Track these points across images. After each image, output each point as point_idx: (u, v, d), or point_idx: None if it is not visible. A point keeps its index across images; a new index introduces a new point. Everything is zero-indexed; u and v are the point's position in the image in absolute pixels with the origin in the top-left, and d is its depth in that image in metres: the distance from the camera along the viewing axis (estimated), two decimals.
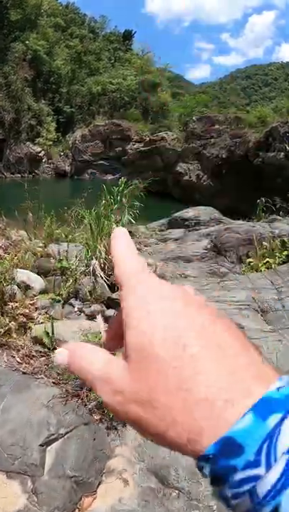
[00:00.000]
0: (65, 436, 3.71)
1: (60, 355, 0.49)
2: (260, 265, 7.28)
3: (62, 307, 6.17)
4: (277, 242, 7.82)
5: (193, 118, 36.98)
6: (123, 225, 13.41)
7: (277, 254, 7.38)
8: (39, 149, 53.29)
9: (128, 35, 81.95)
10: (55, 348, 2.89)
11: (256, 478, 0.34)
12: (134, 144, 47.67)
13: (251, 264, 7.56)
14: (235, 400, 0.37)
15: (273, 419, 0.35)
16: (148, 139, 41.33)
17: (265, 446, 0.34)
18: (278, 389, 0.37)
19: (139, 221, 19.64)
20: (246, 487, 0.34)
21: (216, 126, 35.50)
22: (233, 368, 0.39)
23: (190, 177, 35.29)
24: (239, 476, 0.35)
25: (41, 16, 62.72)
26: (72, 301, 6.32)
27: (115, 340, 0.53)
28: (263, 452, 0.34)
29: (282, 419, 0.35)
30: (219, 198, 32.24)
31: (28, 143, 52.97)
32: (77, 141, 52.50)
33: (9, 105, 51.45)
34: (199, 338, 0.41)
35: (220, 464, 0.35)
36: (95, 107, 62.80)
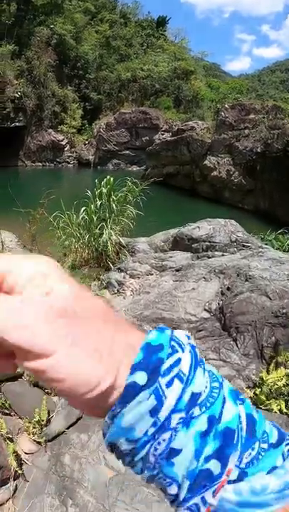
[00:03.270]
0: None
1: None
2: None
3: None
4: None
5: (226, 105, 32.68)
6: (105, 242, 9.75)
7: None
8: (62, 137, 50.57)
9: (162, 22, 78.27)
10: None
11: (179, 360, 0.49)
12: (162, 134, 44.66)
13: (280, 378, 3.58)
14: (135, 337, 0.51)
15: (168, 332, 0.51)
16: (176, 128, 37.38)
17: (172, 342, 0.50)
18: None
19: (148, 228, 16.05)
20: (175, 370, 0.48)
21: (252, 116, 31.42)
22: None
23: (219, 172, 31.40)
24: (168, 363, 0.48)
25: (69, 0, 60.11)
26: None
27: None
28: (175, 345, 0.50)
29: (172, 332, 0.52)
30: (251, 198, 28.86)
31: (50, 130, 50.24)
32: (101, 130, 49.30)
33: (31, 91, 49.18)
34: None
35: (151, 360, 0.48)
36: (124, 94, 59.49)
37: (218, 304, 5.71)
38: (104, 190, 10.32)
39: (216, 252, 8.58)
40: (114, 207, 10.27)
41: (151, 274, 8.79)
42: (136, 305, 6.78)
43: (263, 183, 28.53)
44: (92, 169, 48.44)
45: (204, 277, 7.05)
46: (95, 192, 10.65)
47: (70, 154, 51.45)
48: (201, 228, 9.37)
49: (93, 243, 10.03)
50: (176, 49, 64.44)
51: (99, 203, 10.43)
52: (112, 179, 10.23)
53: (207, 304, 5.85)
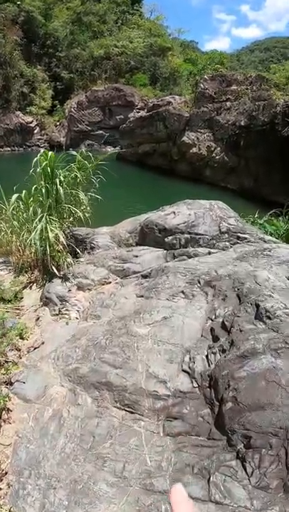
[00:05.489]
0: None
1: None
2: None
3: None
4: None
5: (205, 76, 29.90)
6: (35, 239, 6.99)
7: None
8: (31, 119, 47.47)
9: None
10: None
11: None
12: (138, 112, 41.67)
13: None
14: None
15: None
16: (152, 104, 34.54)
17: None
18: None
19: (117, 213, 13.64)
20: None
21: (234, 87, 28.83)
22: None
23: (199, 149, 28.87)
24: None
25: None
26: None
27: None
28: None
29: None
30: (235, 176, 26.71)
31: (18, 112, 47.22)
32: (72, 109, 46.23)
33: None
34: None
35: None
36: (98, 72, 56.36)
37: (208, 360, 3.06)
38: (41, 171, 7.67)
39: (200, 249, 5.92)
40: (61, 190, 7.55)
41: (109, 283, 6.12)
42: (72, 348, 4.12)
43: (247, 159, 26.18)
44: (64, 152, 45.56)
45: (183, 292, 4.41)
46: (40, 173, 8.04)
47: (40, 137, 48.47)
48: (177, 214, 6.64)
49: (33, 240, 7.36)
50: (151, 25, 61.60)
51: (43, 185, 7.74)
52: (51, 153, 7.57)
53: (187, 356, 3.21)
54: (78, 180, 7.90)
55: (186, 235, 6.19)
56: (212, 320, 3.63)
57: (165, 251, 6.30)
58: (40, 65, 53.76)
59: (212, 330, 3.48)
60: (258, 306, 3.33)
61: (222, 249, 5.84)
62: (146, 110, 36.09)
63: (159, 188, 26.93)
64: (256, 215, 12.25)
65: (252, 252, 5.09)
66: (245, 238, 5.99)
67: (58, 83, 54.38)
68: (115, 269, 6.25)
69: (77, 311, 5.57)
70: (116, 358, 3.58)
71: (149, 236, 6.73)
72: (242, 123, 26.40)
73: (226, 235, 6.04)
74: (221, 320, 3.50)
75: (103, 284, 6.05)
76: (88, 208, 8.21)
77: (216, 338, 3.35)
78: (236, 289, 3.86)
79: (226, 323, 3.38)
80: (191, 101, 30.71)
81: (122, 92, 45.05)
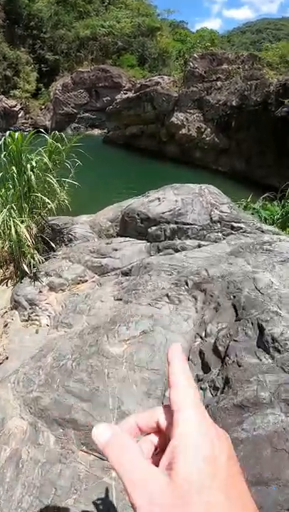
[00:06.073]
0: None
1: (102, 435, 0.61)
2: None
3: None
4: None
5: (195, 55, 28.88)
6: None
7: None
8: (14, 103, 46.11)
9: None
10: None
11: None
12: (125, 93, 40.52)
13: None
14: None
15: None
16: (140, 85, 33.51)
17: None
18: None
19: (100, 200, 12.92)
20: None
21: (225, 66, 27.86)
22: None
23: (188, 130, 27.93)
24: None
25: None
26: None
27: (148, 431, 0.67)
28: None
29: None
30: (226, 158, 25.99)
31: (1, 96, 45.93)
32: (57, 91, 44.99)
33: None
34: None
35: None
36: (84, 53, 55.04)
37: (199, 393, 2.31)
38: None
39: (188, 241, 5.15)
40: (33, 177, 6.76)
41: (85, 281, 5.36)
42: (35, 369, 3.34)
43: (239, 141, 25.26)
44: (49, 135, 44.64)
45: (167, 295, 3.66)
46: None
47: (24, 121, 47.03)
48: (162, 201, 5.84)
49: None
50: (139, 5, 60.02)
51: (14, 171, 6.98)
52: (18, 134, 6.80)
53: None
54: (50, 165, 7.11)
55: (172, 225, 5.41)
56: (202, 338, 2.89)
57: (148, 243, 5.53)
58: (24, 47, 52.46)
59: (201, 353, 2.74)
60: (261, 328, 2.54)
61: (214, 242, 5.07)
62: (133, 91, 35.07)
63: (147, 170, 26.09)
64: (249, 199, 11.57)
65: (249, 246, 4.34)
66: (241, 228, 5.22)
67: (42, 65, 53.12)
68: (92, 265, 5.49)
69: (48, 316, 4.83)
70: (83, 387, 2.84)
71: (131, 226, 5.95)
72: (233, 103, 25.43)
73: (219, 225, 5.25)
74: (212, 341, 2.75)
75: (78, 284, 5.30)
76: (64, 195, 7.46)
77: (206, 367, 2.59)
78: (232, 296, 3.11)
79: (218, 347, 2.62)
80: (180, 80, 29.69)
81: (109, 73, 43.76)
